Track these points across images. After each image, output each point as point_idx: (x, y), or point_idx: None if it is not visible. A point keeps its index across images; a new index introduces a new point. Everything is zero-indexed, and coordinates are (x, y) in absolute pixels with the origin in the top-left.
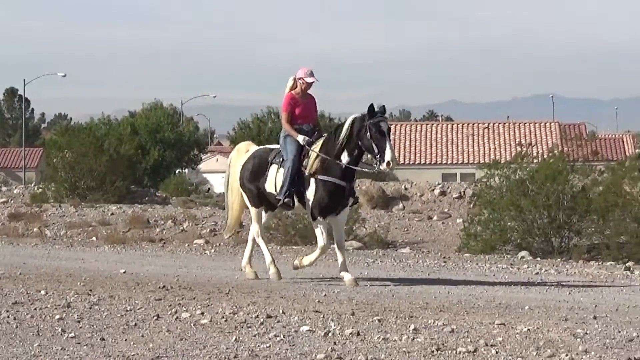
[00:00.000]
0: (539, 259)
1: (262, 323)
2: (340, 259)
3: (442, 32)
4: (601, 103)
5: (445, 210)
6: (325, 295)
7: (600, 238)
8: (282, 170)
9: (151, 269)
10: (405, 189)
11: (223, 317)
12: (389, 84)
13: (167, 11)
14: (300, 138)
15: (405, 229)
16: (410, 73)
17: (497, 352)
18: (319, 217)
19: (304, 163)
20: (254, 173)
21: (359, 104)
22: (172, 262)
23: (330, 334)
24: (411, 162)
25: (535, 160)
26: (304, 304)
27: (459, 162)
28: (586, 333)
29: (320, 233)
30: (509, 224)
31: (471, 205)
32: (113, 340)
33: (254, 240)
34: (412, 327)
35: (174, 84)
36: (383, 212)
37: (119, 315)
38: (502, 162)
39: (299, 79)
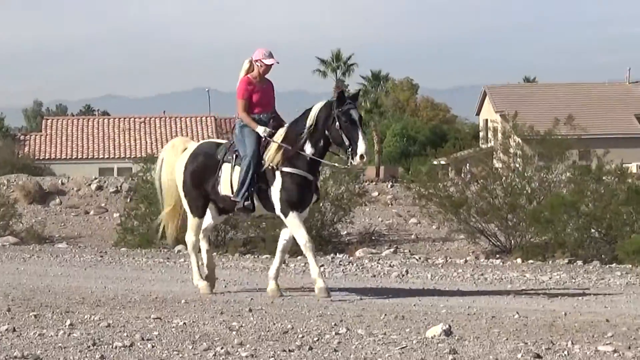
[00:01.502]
0: None
1: None
2: (276, 264)
3: (96, 27)
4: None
5: (102, 204)
6: None
7: (256, 232)
8: (237, 168)
9: None
10: (62, 183)
11: None
12: (45, 79)
13: None
14: (261, 129)
15: (62, 224)
16: (65, 67)
17: (153, 346)
18: (291, 212)
19: (264, 157)
20: (200, 175)
21: (17, 98)
22: None
23: None
24: (68, 157)
25: None
26: None
27: (116, 157)
28: (242, 326)
29: (297, 228)
30: None
31: (128, 200)
32: None
33: (195, 252)
34: (68, 322)
35: None
36: (40, 207)
37: None
38: (158, 156)
39: (257, 61)
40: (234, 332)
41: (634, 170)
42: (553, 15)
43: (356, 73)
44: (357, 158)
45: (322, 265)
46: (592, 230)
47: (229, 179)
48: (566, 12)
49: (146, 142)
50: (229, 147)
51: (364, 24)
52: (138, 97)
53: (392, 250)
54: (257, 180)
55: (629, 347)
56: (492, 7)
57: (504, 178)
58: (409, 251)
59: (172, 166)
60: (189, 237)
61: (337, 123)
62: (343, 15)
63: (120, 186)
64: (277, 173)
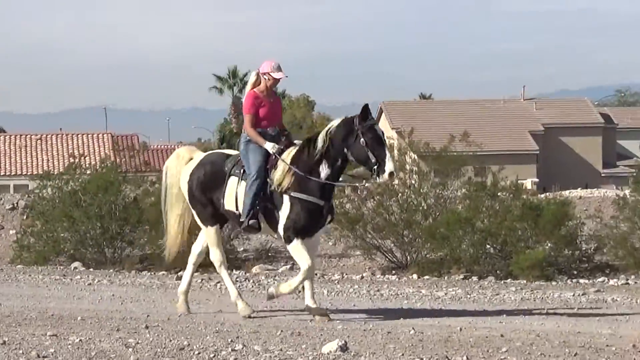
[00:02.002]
0: (92, 269)
1: None
2: (308, 288)
3: None
4: (154, 114)
5: None
6: None
7: (153, 248)
8: (243, 183)
9: None
10: None
11: None
12: None
13: None
14: (269, 146)
15: None
16: None
17: None
18: (295, 239)
19: (271, 176)
20: (206, 184)
21: None
22: None
23: None
24: None
25: (87, 172)
26: None
27: (12, 174)
28: (138, 343)
29: (299, 253)
30: (62, 235)
31: (24, 217)
32: None
33: (225, 268)
34: None
35: None
36: None
37: None
38: (54, 173)
39: (264, 74)
40: (130, 349)
41: (529, 187)
42: (448, 31)
43: None
44: (386, 176)
45: (219, 282)
46: (488, 246)
47: (234, 193)
48: (461, 29)
49: (43, 159)
50: (238, 160)
51: (260, 40)
52: (34, 114)
53: (288, 266)
54: (263, 200)
55: None
56: (388, 23)
57: (400, 194)
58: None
59: (176, 177)
60: (213, 254)
61: (362, 140)
62: (239, 32)
63: (17, 203)
64: (285, 197)
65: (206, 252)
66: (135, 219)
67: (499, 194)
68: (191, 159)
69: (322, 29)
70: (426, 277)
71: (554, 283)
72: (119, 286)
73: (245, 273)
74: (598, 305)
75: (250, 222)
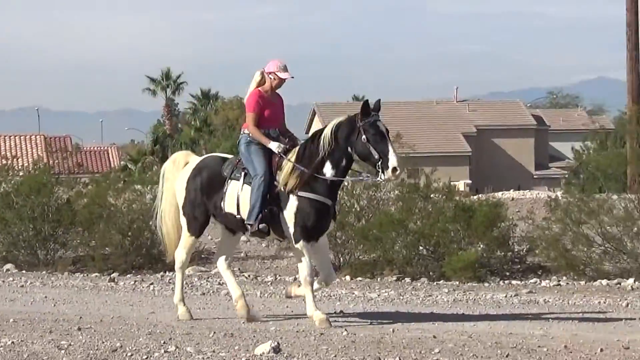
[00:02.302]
0: (24, 271)
1: None
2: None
3: None
4: (87, 116)
5: None
6: None
7: (86, 250)
8: (246, 187)
9: None
10: None
11: None
12: None
13: None
14: (274, 145)
15: None
16: None
17: None
18: (303, 241)
19: (277, 177)
20: (203, 191)
21: None
22: None
23: None
24: None
25: (20, 173)
26: None
27: None
28: (70, 344)
29: (304, 258)
30: None
31: None
32: None
33: (183, 270)
34: None
35: None
36: None
37: None
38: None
39: (270, 73)
40: (63, 351)
41: (462, 188)
42: (380, 34)
43: (186, 91)
44: (389, 172)
45: (152, 284)
46: (420, 248)
47: (235, 198)
48: (392, 31)
49: None
50: (237, 164)
51: (193, 42)
52: None
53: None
54: (269, 202)
55: None
56: (323, 25)
57: None
58: (239, 269)
59: (172, 182)
60: (180, 254)
61: (364, 136)
62: (172, 34)
63: None
64: (292, 197)
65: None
66: (68, 221)
67: (431, 195)
68: (187, 163)
69: (258, 32)
70: (359, 278)
71: (486, 284)
72: (51, 288)
73: None
74: (530, 306)
75: (260, 226)
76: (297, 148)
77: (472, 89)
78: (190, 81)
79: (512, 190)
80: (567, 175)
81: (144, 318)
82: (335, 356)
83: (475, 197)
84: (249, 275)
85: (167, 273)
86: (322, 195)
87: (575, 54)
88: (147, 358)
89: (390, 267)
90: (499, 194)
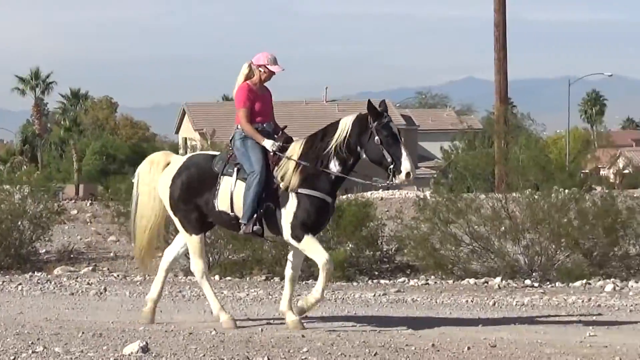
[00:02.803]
0: None
1: None
2: (287, 293)
3: None
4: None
5: None
6: None
7: None
8: (240, 183)
9: None
10: None
11: None
12: None
13: None
14: (268, 143)
15: None
16: None
17: None
18: (306, 235)
19: (275, 174)
20: (193, 187)
21: None
22: None
23: None
24: None
25: None
26: None
27: None
28: None
29: (313, 248)
30: None
31: None
32: None
33: (207, 279)
34: None
35: None
36: None
37: None
38: None
39: (260, 66)
40: None
41: None
42: (253, 32)
43: (55, 91)
44: (402, 176)
45: (20, 284)
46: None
47: (228, 194)
48: (265, 31)
49: None
50: (228, 159)
51: (63, 41)
52: None
53: (90, 268)
54: (264, 201)
55: None
56: (195, 24)
57: None
58: (108, 269)
59: (150, 185)
60: (196, 264)
61: (377, 137)
62: (42, 32)
63: None
64: (292, 194)
65: (178, 258)
66: None
67: None
68: (168, 163)
69: (130, 33)
70: (228, 278)
71: (355, 284)
72: None
73: (47, 275)
74: (398, 305)
75: (255, 228)
76: (300, 143)
77: (342, 89)
78: (59, 80)
79: (380, 189)
80: (435, 175)
81: (12, 318)
82: (204, 355)
83: (344, 196)
84: (117, 275)
85: (35, 273)
86: (323, 192)
87: (444, 55)
88: (14, 359)
89: (259, 267)
90: (367, 194)
